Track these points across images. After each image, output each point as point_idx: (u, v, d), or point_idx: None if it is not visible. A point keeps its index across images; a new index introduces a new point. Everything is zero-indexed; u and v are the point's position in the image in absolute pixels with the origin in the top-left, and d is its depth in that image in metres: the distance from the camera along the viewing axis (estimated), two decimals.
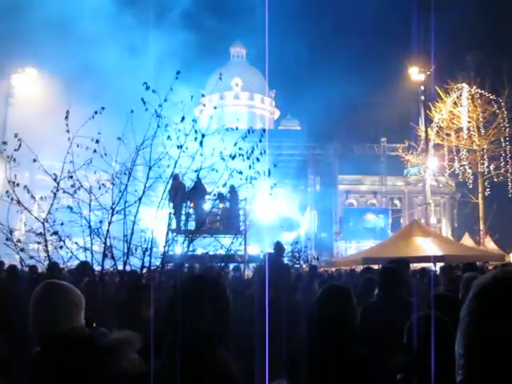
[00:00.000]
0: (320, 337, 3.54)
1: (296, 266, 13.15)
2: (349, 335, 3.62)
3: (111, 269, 6.22)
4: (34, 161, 6.04)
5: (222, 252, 7.43)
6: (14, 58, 35.29)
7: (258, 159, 6.57)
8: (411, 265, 10.51)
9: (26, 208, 5.98)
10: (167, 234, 6.70)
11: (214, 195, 7.78)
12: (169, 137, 6.06)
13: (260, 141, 6.68)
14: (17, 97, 37.26)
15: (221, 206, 11.15)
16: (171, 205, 7.32)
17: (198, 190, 7.54)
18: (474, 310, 1.37)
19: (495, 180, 35.64)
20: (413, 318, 3.14)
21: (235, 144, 6.56)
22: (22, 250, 5.94)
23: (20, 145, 5.90)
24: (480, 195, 35.84)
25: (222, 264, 7.60)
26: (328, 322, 3.54)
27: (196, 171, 6.45)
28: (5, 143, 5.95)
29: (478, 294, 1.39)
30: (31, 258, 6.04)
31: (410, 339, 3.06)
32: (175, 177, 6.84)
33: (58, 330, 2.82)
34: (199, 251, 7.74)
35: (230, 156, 6.38)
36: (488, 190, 35.92)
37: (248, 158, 6.49)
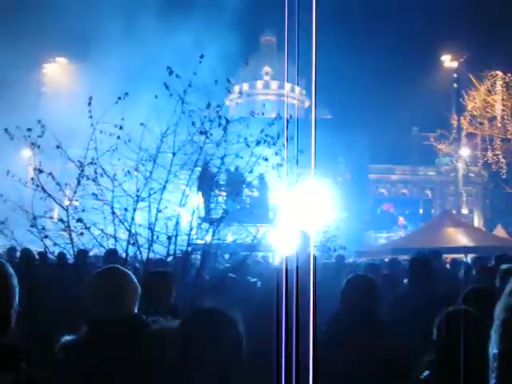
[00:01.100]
0: (345, 326, 3.43)
1: (325, 255, 13.00)
2: (373, 326, 3.50)
3: (137, 256, 6.17)
4: (58, 147, 5.99)
5: (248, 240, 7.33)
6: (45, 47, 35.57)
7: (284, 146, 6.44)
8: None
9: (49, 195, 5.94)
10: (192, 221, 6.61)
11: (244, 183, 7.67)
12: (193, 123, 5.96)
13: (287, 127, 6.52)
14: (48, 86, 37.71)
15: (250, 193, 11.03)
16: (199, 193, 7.25)
17: (231, 179, 7.44)
18: (511, 307, 1.22)
19: None
20: (443, 313, 2.96)
21: (262, 131, 6.43)
22: (46, 236, 5.90)
23: (43, 132, 5.86)
24: None
25: (249, 253, 7.50)
26: (352, 312, 3.44)
27: (221, 158, 6.35)
28: (29, 130, 5.90)
29: None
30: (55, 244, 6.00)
31: (440, 335, 2.89)
32: (204, 165, 6.75)
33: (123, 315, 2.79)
34: (229, 238, 7.65)
35: (255, 141, 6.26)
36: None
37: (274, 144, 6.35)
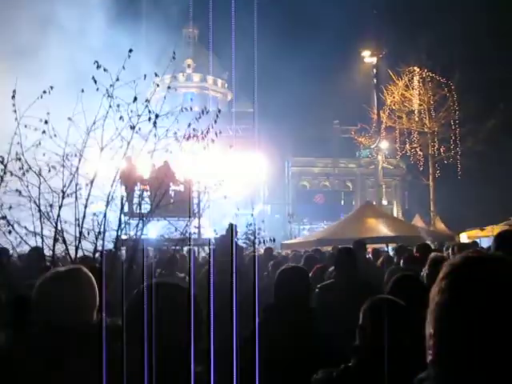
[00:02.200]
0: (277, 318, 3.51)
1: (250, 248, 13.13)
2: (305, 315, 3.61)
3: (63, 253, 6.06)
4: None
5: (176, 235, 7.34)
6: None
7: (212, 140, 6.50)
8: None
9: None
10: (120, 217, 6.56)
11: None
12: (121, 117, 5.91)
13: (215, 122, 6.59)
14: None
15: (174, 188, 11.02)
16: (123, 188, 7.18)
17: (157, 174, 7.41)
18: (446, 289, 1.35)
19: (445, 162, 36.32)
20: (369, 302, 3.10)
21: (189, 125, 6.46)
22: None
23: None
24: (431, 177, 36.48)
25: (177, 247, 7.50)
26: (285, 303, 3.52)
27: (149, 153, 6.33)
28: None
29: (449, 273, 1.37)
30: None
31: (365, 323, 3.03)
32: (128, 159, 6.69)
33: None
34: (153, 235, 7.62)
35: (184, 137, 6.29)
36: (438, 172, 36.59)
37: (203, 138, 6.41)
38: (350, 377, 2.84)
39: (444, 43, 35.61)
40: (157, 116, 6.04)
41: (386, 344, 2.69)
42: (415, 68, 35.74)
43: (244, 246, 12.27)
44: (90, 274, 2.87)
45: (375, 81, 36.98)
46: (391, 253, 14.68)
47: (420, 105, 36.15)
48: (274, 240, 11.52)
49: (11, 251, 6.35)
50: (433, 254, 5.73)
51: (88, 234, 5.92)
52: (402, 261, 7.47)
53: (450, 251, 7.97)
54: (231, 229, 8.96)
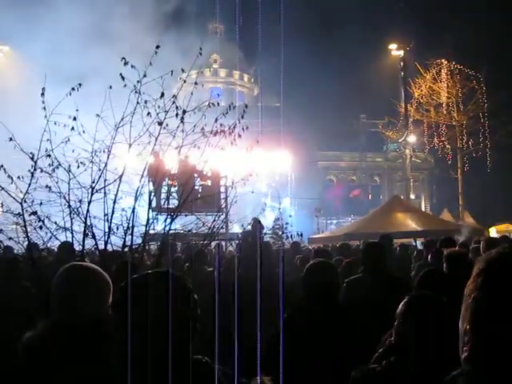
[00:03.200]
0: (305, 314, 3.51)
1: (278, 243, 13.13)
2: (334, 311, 3.59)
3: (92, 248, 6.13)
4: (10, 139, 5.88)
5: (204, 230, 7.36)
6: None
7: (239, 135, 6.50)
8: None
9: (3, 188, 5.83)
10: (148, 212, 6.60)
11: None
12: (149, 113, 5.94)
13: (242, 117, 6.59)
14: None
15: (202, 183, 11.05)
16: (151, 183, 7.22)
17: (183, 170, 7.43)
18: (482, 285, 1.34)
19: (474, 155, 35.90)
20: (406, 299, 3.00)
21: (216, 120, 6.46)
22: (1, 231, 5.82)
23: None
24: (459, 171, 36.08)
25: (205, 242, 7.52)
26: (313, 299, 3.51)
27: (176, 148, 6.36)
28: None
29: (485, 270, 1.36)
30: (10, 239, 5.91)
31: (402, 321, 2.93)
32: (155, 154, 6.72)
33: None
34: (181, 229, 7.64)
35: (212, 132, 6.30)
36: (467, 165, 36.18)
37: (230, 134, 6.41)
38: (394, 372, 2.78)
39: (472, 36, 35.13)
40: (184, 112, 6.06)
41: (428, 343, 2.65)
42: (443, 61, 35.33)
43: (271, 240, 12.27)
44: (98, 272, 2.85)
45: (402, 74, 36.67)
46: (420, 247, 14.59)
47: (448, 98, 35.74)
48: (302, 235, 11.50)
49: (42, 246, 6.44)
50: (449, 250, 5.67)
51: (117, 229, 5.97)
52: (429, 256, 7.41)
53: (480, 246, 7.86)
54: (256, 224, 8.97)
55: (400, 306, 2.89)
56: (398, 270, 7.39)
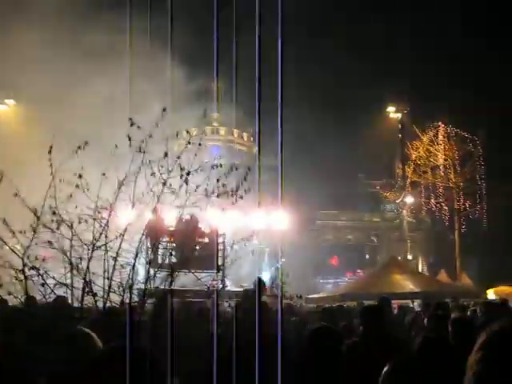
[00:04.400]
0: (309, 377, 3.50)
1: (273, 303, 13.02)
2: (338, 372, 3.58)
3: (91, 305, 6.12)
4: (16, 195, 5.94)
5: (203, 288, 7.36)
6: None
7: (241, 197, 6.58)
8: None
9: (4, 242, 5.87)
10: (147, 269, 6.62)
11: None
12: (153, 173, 6.03)
13: (245, 179, 6.68)
14: None
15: (199, 240, 11.06)
16: (149, 240, 7.25)
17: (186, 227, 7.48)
18: (482, 359, 1.37)
19: (471, 217, 36.04)
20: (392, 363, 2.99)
21: (217, 181, 6.55)
22: (0, 285, 5.82)
23: (1, 178, 5.83)
24: (456, 232, 36.17)
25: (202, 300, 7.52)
26: (316, 367, 3.50)
27: (178, 207, 6.42)
28: None
29: (486, 344, 1.39)
30: (9, 294, 5.91)
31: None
32: (154, 210, 6.77)
33: None
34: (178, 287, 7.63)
35: (213, 193, 6.38)
36: (464, 226, 36.28)
37: (232, 195, 6.50)
38: None
39: (469, 99, 35.80)
40: (188, 173, 6.15)
41: None
42: (440, 123, 35.89)
43: (268, 300, 12.19)
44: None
45: (400, 136, 37.19)
46: (417, 308, 14.52)
47: (445, 160, 36.14)
48: (301, 297, 11.44)
49: (40, 300, 6.44)
50: (454, 315, 5.68)
51: (119, 288, 5.98)
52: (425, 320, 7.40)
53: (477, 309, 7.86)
54: (259, 283, 8.94)
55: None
56: (396, 333, 7.36)
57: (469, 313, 8.42)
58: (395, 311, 11.90)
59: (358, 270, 48.21)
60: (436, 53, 43.40)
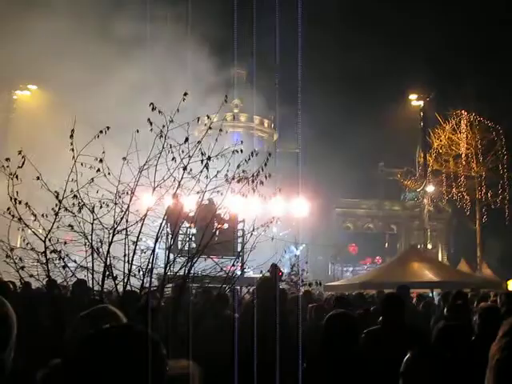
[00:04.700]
0: (327, 365, 3.50)
1: (293, 289, 13.04)
2: (355, 365, 3.58)
3: (111, 289, 6.18)
4: (38, 178, 6.00)
5: (221, 274, 7.37)
6: (16, 74, 35.20)
7: (262, 183, 6.57)
8: None
9: (27, 226, 5.94)
10: (167, 254, 6.65)
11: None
12: (173, 158, 6.04)
13: (265, 165, 6.69)
14: (18, 113, 37.31)
15: (219, 227, 11.08)
16: (169, 225, 7.27)
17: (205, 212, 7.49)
18: (506, 347, 1.36)
19: (492, 207, 35.71)
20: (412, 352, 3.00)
21: (238, 166, 6.55)
22: (23, 268, 5.89)
23: (24, 162, 5.88)
24: (477, 222, 35.88)
25: (223, 286, 7.53)
26: (333, 353, 3.50)
27: (198, 193, 6.44)
28: (8, 159, 5.91)
29: (509, 332, 1.38)
30: (31, 276, 5.99)
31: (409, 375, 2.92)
32: (174, 196, 6.79)
33: None
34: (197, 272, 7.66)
35: (236, 178, 6.39)
36: (485, 217, 35.97)
37: (252, 181, 6.50)
38: None
39: (493, 87, 35.37)
40: (209, 158, 6.16)
41: None
42: (462, 111, 35.51)
43: (287, 287, 12.20)
44: None
45: (422, 124, 36.85)
46: (436, 298, 14.44)
47: (467, 149, 35.78)
48: (320, 283, 11.39)
49: (61, 283, 6.53)
50: (482, 304, 5.63)
51: (139, 271, 6.02)
52: (445, 309, 7.36)
53: (498, 299, 7.80)
54: (274, 270, 8.94)
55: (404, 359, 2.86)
56: (414, 321, 7.34)
57: (489, 303, 8.34)
58: (414, 300, 11.86)
59: (378, 258, 48.17)
60: (461, 40, 42.94)
